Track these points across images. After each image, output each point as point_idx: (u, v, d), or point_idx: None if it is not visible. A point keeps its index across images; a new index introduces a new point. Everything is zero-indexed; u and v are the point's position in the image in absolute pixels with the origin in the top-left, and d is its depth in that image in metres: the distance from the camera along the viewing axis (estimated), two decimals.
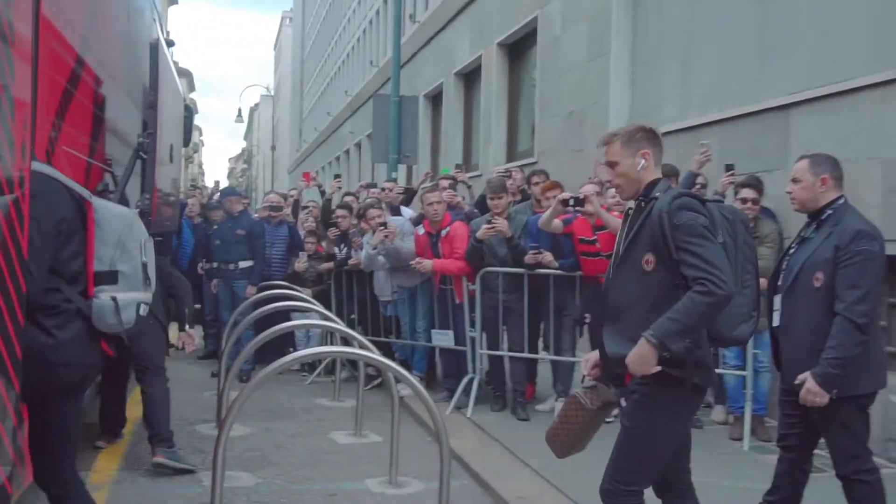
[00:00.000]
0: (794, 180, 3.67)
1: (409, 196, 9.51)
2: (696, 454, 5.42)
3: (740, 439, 5.74)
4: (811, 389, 3.36)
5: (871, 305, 3.42)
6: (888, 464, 5.38)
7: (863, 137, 5.75)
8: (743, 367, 5.82)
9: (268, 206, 9.35)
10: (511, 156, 13.50)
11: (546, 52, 11.77)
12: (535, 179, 7.22)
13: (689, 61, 8.46)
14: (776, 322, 3.77)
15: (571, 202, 5.76)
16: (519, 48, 13.59)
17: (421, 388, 4.28)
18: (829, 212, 3.54)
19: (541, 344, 7.10)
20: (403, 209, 8.65)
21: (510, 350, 6.87)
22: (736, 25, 7.62)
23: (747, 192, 5.81)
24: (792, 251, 3.75)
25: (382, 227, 7.22)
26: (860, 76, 5.85)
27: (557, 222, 6.10)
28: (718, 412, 6.43)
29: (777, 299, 3.74)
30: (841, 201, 3.57)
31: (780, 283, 3.73)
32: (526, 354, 6.67)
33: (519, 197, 7.86)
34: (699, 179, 6.45)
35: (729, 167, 6.41)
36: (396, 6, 13.43)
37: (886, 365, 3.78)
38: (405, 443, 5.40)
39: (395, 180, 11.43)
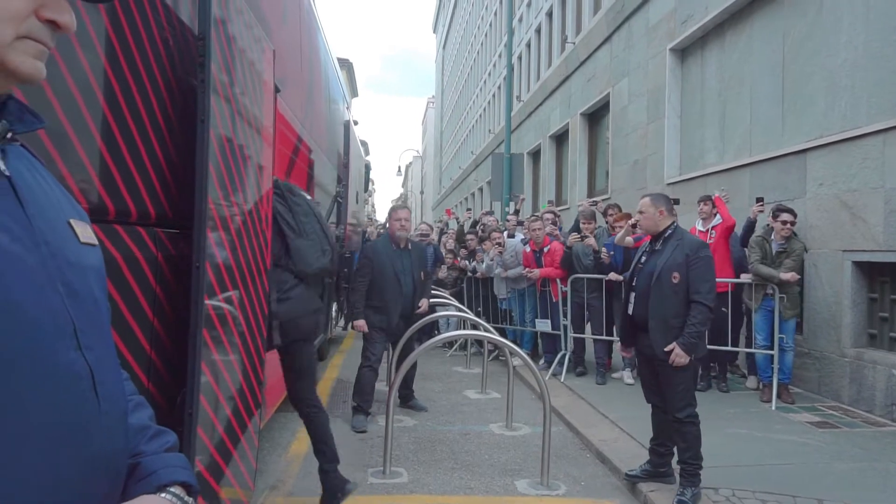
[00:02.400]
0: (641, 212, 3.75)
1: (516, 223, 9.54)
2: (734, 412, 5.30)
3: (769, 402, 5.42)
4: (679, 353, 3.41)
5: (715, 294, 3.53)
6: (891, 423, 4.94)
7: (867, 172, 5.33)
8: (771, 347, 5.48)
9: (420, 234, 9.59)
10: (591, 194, 13.25)
11: (616, 118, 11.51)
12: (609, 211, 7.07)
13: (724, 120, 8.07)
14: (630, 311, 3.70)
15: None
16: (596, 116, 13.37)
17: (528, 360, 4.29)
18: (670, 232, 3.62)
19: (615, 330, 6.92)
20: (517, 234, 8.65)
21: (592, 334, 6.74)
22: (761, 90, 7.23)
23: (786, 216, 5.48)
24: (643, 260, 3.69)
25: (499, 247, 7.33)
26: (864, 125, 5.44)
27: (629, 239, 5.98)
28: (752, 381, 6.07)
29: (632, 295, 3.69)
30: (675, 225, 3.67)
31: (634, 283, 3.70)
32: (604, 337, 6.53)
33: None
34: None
35: (759, 199, 6.07)
36: (507, 91, 13.57)
37: (706, 339, 3.74)
38: (517, 399, 5.42)
39: (514, 213, 11.45)
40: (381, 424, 4.44)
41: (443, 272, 8.87)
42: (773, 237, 5.54)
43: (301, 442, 4.59)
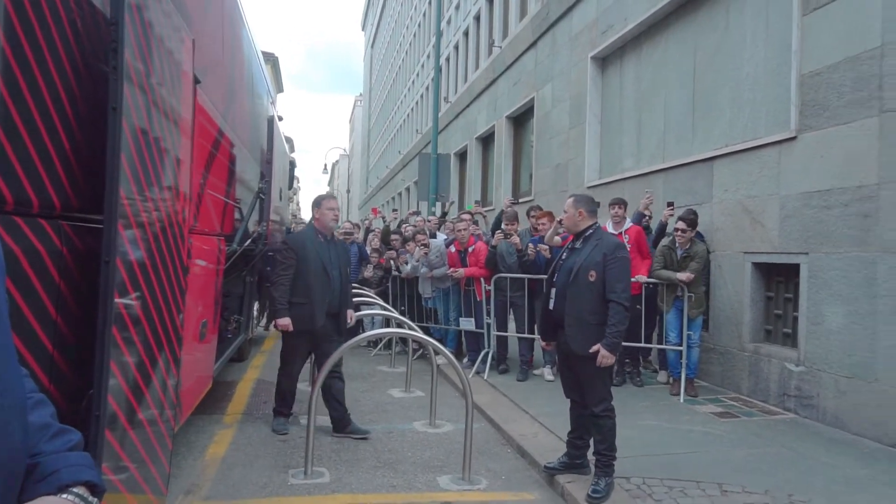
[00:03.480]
0: (564, 212, 3.85)
1: (441, 222, 9.64)
2: (646, 405, 5.55)
3: (678, 395, 5.73)
4: (604, 354, 3.53)
5: (629, 293, 3.64)
6: (782, 411, 5.34)
7: (765, 180, 5.73)
8: (680, 344, 5.81)
9: (344, 232, 9.50)
10: (515, 195, 13.54)
11: (540, 122, 11.82)
12: (532, 213, 7.25)
13: (640, 127, 8.46)
14: (551, 306, 3.78)
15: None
16: (521, 119, 13.65)
17: (452, 358, 4.32)
18: (590, 231, 3.73)
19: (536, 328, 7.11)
20: (439, 234, 8.72)
21: (515, 332, 6.89)
22: (674, 99, 7.63)
23: (680, 224, 5.83)
24: (564, 257, 3.80)
25: (424, 248, 7.39)
26: (763, 136, 5.84)
27: (557, 238, 6.17)
28: (662, 375, 6.39)
29: (552, 291, 3.78)
30: (596, 225, 3.77)
31: (554, 280, 3.78)
32: (526, 335, 6.69)
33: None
34: (644, 221, 6.53)
35: (670, 203, 6.41)
36: (435, 92, 13.62)
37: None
38: (441, 397, 5.46)
39: (434, 214, 11.56)
40: (304, 424, 4.36)
41: (368, 272, 8.82)
42: (676, 244, 5.87)
43: (219, 445, 4.46)
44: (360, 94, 73.18)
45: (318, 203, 4.81)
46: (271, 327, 8.44)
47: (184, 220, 2.80)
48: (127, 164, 2.03)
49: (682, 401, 5.62)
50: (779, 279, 5.73)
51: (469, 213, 8.22)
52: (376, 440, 4.71)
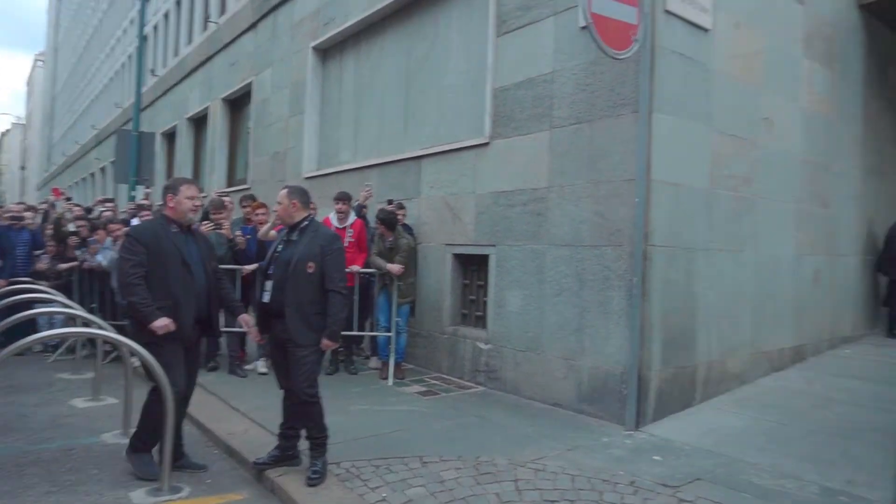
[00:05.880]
0: (279, 203, 3.81)
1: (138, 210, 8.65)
2: (358, 391, 5.76)
3: (387, 378, 6.09)
4: (327, 344, 3.70)
5: (346, 283, 3.76)
6: (475, 385, 6.06)
7: (464, 180, 6.40)
8: (389, 329, 6.17)
9: (9, 215, 7.94)
10: (231, 182, 12.87)
11: (259, 108, 11.40)
12: (244, 203, 6.94)
13: (358, 122, 8.74)
14: (266, 299, 3.72)
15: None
16: (238, 103, 12.99)
17: (150, 357, 3.75)
18: (305, 223, 3.77)
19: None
20: (133, 221, 7.84)
21: (224, 326, 6.52)
22: (389, 98, 8.06)
23: (376, 221, 6.22)
24: (280, 249, 3.77)
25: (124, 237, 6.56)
26: (463, 140, 6.52)
27: (273, 233, 5.98)
28: (374, 361, 6.73)
29: (268, 283, 3.72)
30: (311, 217, 3.84)
31: (270, 272, 3.74)
32: (235, 329, 6.38)
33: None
34: (362, 212, 6.78)
35: (390, 201, 6.72)
36: (138, 63, 12.16)
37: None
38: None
39: (133, 199, 10.37)
40: None
41: (43, 263, 7.48)
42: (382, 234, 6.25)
43: None
44: (43, 53, 61.64)
45: (173, 189, 3.88)
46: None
47: None
48: None
49: (390, 384, 5.98)
50: (473, 268, 6.47)
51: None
52: (50, 460, 4.03)
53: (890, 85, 8.11)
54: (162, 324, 3.60)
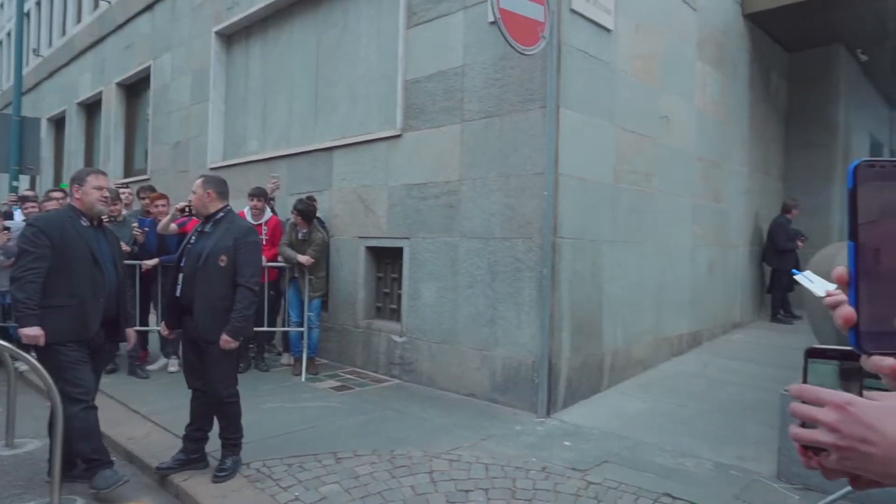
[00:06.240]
0: (193, 192, 3.66)
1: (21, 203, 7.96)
2: (269, 388, 5.60)
3: (300, 374, 5.97)
4: (227, 339, 3.48)
5: (258, 279, 3.66)
6: (390, 378, 6.04)
7: (377, 172, 6.34)
8: (301, 325, 6.03)
9: None
10: (128, 172, 12.10)
11: (158, 94, 10.76)
12: (142, 194, 6.55)
13: (266, 111, 8.45)
14: (178, 292, 3.59)
15: (186, 210, 5.42)
16: (136, 88, 12.20)
17: (35, 363, 3.46)
18: (221, 215, 3.64)
19: (152, 318, 6.48)
20: (16, 214, 7.22)
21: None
22: (298, 87, 7.84)
23: (293, 212, 6.06)
24: (193, 241, 3.63)
25: (7, 232, 6.02)
26: (375, 132, 6.45)
27: (173, 226, 5.69)
28: (286, 357, 6.56)
29: (180, 277, 3.59)
30: (227, 209, 3.69)
31: (182, 265, 3.60)
32: (138, 328, 6.02)
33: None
34: (271, 203, 6.58)
35: (310, 198, 6.51)
36: (17, 41, 11.11)
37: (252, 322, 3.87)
38: (25, 409, 4.56)
39: (15, 190, 9.52)
40: None
41: None
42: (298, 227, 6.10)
43: None
44: None
45: (79, 179, 3.56)
46: None
47: None
48: None
49: (303, 380, 5.85)
50: (387, 261, 6.43)
51: (62, 191, 6.99)
52: None
53: (772, 90, 8.79)
54: (32, 333, 3.29)
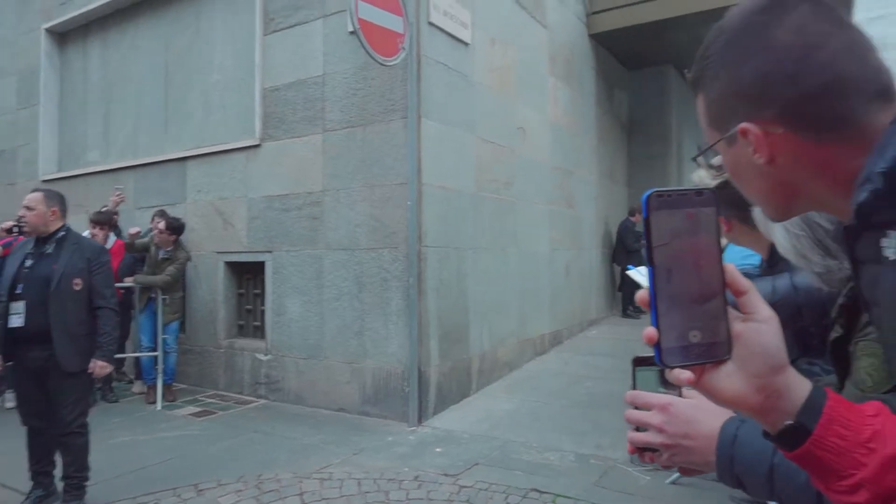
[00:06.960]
0: (29, 208, 3.30)
1: None
2: (120, 420, 5.16)
3: (154, 403, 5.52)
4: (102, 365, 3.33)
5: (117, 299, 3.57)
6: (255, 398, 5.79)
7: (235, 183, 6.06)
8: (155, 349, 5.59)
9: None
10: None
11: None
12: None
13: (109, 117, 7.78)
14: (18, 323, 3.21)
15: (15, 229, 4.88)
16: None
17: None
18: (62, 234, 3.37)
19: None
20: None
21: None
22: (146, 93, 7.30)
23: (161, 224, 5.66)
24: (30, 264, 3.30)
25: None
26: (232, 142, 6.16)
27: None
28: (138, 385, 6.05)
29: (18, 305, 3.22)
30: (67, 226, 3.43)
31: (20, 291, 3.24)
32: None
33: None
34: (115, 218, 6.04)
35: (160, 211, 6.04)
36: None
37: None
38: None
39: None
40: None
41: None
42: (158, 244, 5.67)
43: None
44: None
45: None
46: None
47: None
48: None
49: (159, 408, 5.43)
50: (248, 276, 6.16)
51: None
52: None
53: (615, 103, 9.56)
54: None
